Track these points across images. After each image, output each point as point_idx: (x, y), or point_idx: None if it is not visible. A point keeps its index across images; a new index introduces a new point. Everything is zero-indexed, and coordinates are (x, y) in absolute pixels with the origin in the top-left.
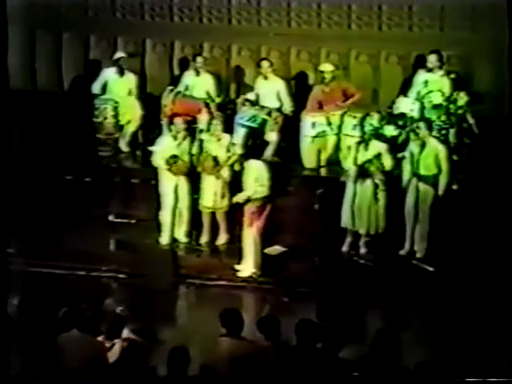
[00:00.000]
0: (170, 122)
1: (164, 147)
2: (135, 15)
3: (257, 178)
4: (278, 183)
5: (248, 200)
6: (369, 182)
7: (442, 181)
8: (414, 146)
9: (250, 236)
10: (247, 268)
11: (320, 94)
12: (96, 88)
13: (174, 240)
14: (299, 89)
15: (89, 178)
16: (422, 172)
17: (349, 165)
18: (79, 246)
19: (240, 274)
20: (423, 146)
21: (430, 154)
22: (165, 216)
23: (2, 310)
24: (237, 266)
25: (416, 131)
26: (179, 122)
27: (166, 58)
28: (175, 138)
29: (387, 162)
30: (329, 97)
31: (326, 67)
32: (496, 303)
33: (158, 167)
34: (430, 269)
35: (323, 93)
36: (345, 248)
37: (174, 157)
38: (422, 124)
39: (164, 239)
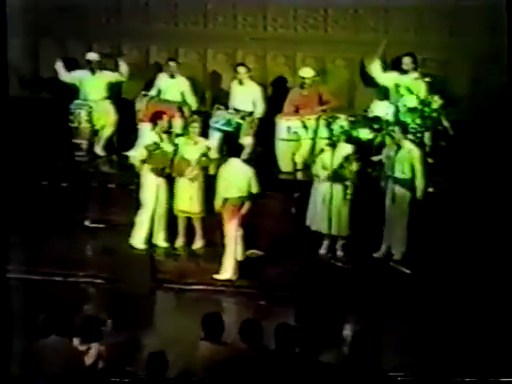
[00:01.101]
0: (155, 123)
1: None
2: (111, 20)
3: (231, 177)
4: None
5: (226, 199)
6: (339, 184)
7: (419, 184)
8: (389, 149)
9: (230, 233)
10: (225, 269)
11: (297, 98)
12: (66, 78)
13: (151, 245)
14: (276, 93)
15: (65, 183)
16: (398, 175)
17: (318, 168)
18: (56, 252)
19: (218, 277)
20: (398, 148)
21: (405, 157)
22: (144, 220)
23: None
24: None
25: (391, 134)
26: (164, 120)
27: (141, 63)
28: (161, 138)
29: (356, 164)
30: (306, 100)
31: (307, 73)
32: (475, 305)
33: (138, 166)
34: (407, 271)
35: (301, 96)
36: (322, 251)
37: (155, 144)
38: (396, 128)
39: (142, 243)
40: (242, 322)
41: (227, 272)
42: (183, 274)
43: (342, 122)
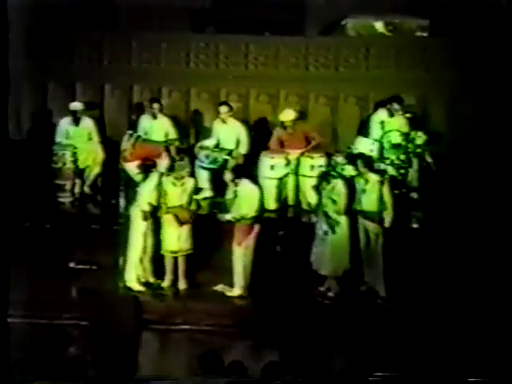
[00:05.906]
0: (143, 163)
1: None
2: (93, 61)
3: (249, 198)
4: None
5: (239, 219)
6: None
7: (387, 215)
8: (358, 184)
9: (239, 255)
10: (236, 287)
11: (283, 135)
12: (58, 138)
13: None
14: (259, 130)
15: (48, 224)
16: (368, 209)
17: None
18: (40, 294)
19: (229, 293)
20: (366, 182)
21: (373, 190)
22: (134, 260)
23: None
24: (218, 287)
25: (358, 169)
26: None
27: (124, 103)
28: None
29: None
30: (292, 138)
31: (286, 117)
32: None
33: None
34: (391, 306)
35: (286, 134)
36: (322, 288)
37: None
38: (359, 161)
39: (136, 284)
40: (228, 364)
41: (238, 288)
42: (169, 314)
43: (338, 158)
